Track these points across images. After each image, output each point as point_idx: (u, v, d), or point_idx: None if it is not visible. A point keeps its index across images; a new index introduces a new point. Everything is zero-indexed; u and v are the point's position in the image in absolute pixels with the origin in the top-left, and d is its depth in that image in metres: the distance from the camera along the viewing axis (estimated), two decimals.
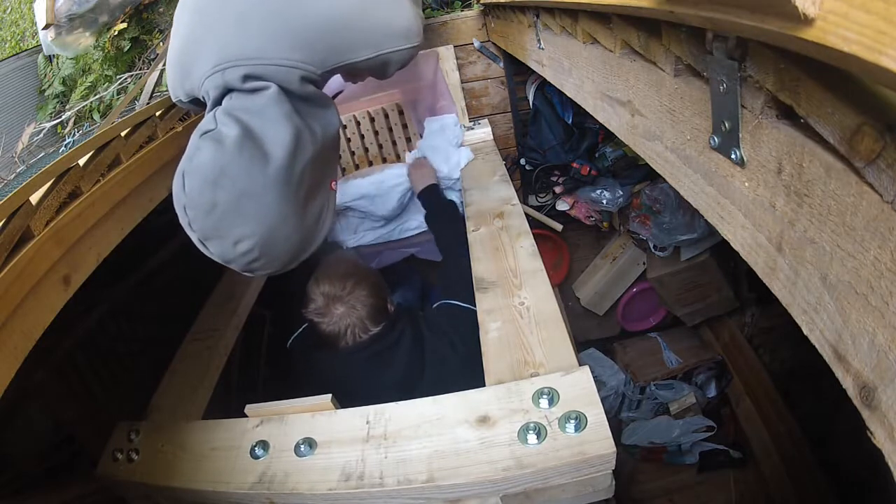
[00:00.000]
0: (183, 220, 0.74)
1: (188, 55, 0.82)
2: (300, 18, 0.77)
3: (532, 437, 0.66)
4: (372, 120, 1.69)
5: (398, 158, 1.75)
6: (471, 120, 1.74)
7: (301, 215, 0.78)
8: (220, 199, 0.71)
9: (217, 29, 0.78)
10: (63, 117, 2.47)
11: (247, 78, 0.75)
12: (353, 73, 0.89)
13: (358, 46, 0.81)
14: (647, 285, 2.12)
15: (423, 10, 1.75)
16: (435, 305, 1.20)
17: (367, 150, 1.74)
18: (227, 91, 0.77)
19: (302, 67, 0.77)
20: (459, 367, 1.02)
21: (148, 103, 1.75)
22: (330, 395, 0.81)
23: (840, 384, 0.33)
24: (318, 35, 0.78)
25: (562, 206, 1.89)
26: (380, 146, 1.74)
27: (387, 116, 1.69)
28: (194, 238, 0.75)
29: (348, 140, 1.71)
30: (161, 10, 2.42)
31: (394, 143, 1.73)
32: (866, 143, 0.27)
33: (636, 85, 0.57)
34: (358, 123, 1.69)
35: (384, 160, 1.76)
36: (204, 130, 0.74)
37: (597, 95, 0.72)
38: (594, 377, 0.72)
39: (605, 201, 1.77)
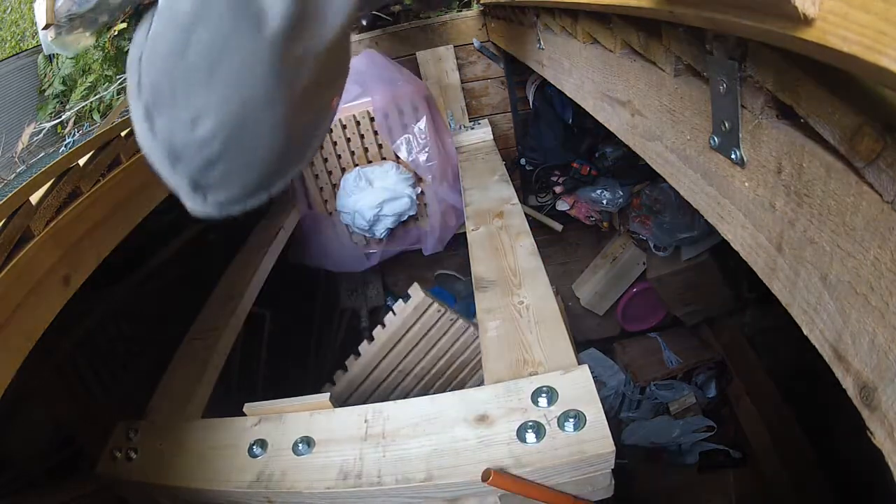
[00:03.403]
0: (131, 81, 0.53)
1: None
2: None
3: (531, 436, 0.66)
4: (372, 120, 1.69)
5: (398, 159, 1.75)
6: (471, 120, 1.74)
7: (291, 109, 0.56)
8: (191, 44, 0.50)
9: None
10: (63, 117, 2.46)
11: None
12: None
13: None
14: (647, 285, 2.12)
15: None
16: None
17: (366, 149, 1.74)
18: None
19: None
20: None
21: None
22: (328, 395, 0.81)
23: (840, 384, 0.33)
24: None
25: (562, 206, 1.89)
26: (379, 146, 1.74)
27: (387, 117, 1.69)
28: (138, 111, 0.53)
29: (348, 140, 1.71)
30: None
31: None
32: (866, 143, 0.27)
33: (636, 85, 0.57)
34: (358, 123, 1.68)
35: (383, 159, 1.76)
36: None
37: (597, 95, 0.72)
38: (594, 377, 0.71)
39: (605, 201, 1.77)
